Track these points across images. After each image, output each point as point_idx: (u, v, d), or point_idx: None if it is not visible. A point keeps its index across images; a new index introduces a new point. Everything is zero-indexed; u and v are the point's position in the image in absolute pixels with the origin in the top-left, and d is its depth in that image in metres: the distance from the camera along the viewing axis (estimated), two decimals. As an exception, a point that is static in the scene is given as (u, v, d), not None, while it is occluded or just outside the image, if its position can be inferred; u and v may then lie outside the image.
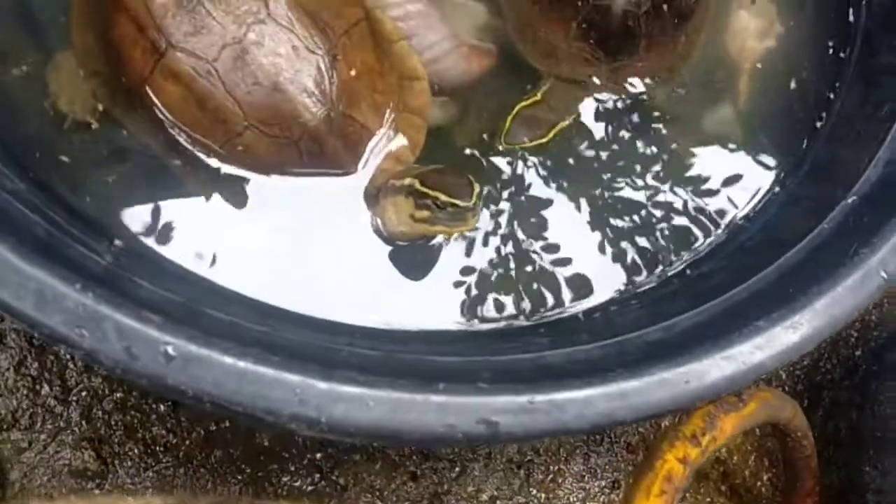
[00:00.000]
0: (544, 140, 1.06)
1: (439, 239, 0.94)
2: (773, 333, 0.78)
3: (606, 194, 1.05)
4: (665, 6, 1.06)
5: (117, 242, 0.83)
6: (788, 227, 0.98)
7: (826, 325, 0.80)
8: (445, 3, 1.12)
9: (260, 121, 0.87)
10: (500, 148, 1.05)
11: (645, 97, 1.09)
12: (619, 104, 1.08)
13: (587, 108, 1.08)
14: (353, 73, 0.91)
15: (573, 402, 0.70)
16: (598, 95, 1.09)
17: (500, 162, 1.05)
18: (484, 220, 1.01)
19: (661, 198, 1.06)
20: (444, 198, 0.83)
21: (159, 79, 0.88)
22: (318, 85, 0.88)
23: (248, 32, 0.85)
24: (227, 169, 0.92)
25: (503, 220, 1.03)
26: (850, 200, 0.93)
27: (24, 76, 0.97)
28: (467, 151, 1.06)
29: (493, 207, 1.02)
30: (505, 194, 1.03)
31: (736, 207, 1.07)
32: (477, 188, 0.85)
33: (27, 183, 0.80)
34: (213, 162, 0.92)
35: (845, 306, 0.81)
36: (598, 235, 1.02)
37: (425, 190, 0.85)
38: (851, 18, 1.15)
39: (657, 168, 1.08)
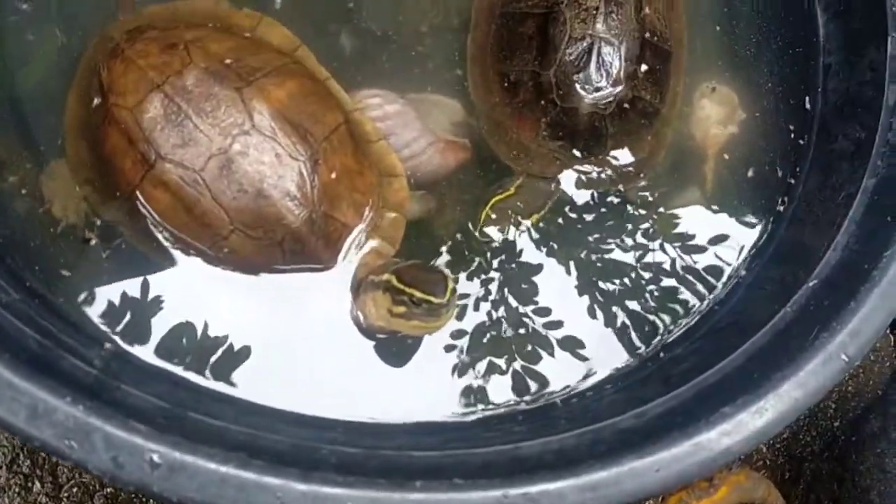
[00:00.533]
0: (516, 232, 1.11)
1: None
2: (740, 420, 0.81)
3: (583, 281, 1.08)
4: (630, 106, 1.12)
5: (107, 346, 0.86)
6: (755, 311, 1.02)
7: (790, 409, 0.83)
8: (422, 101, 1.18)
9: (245, 224, 0.92)
10: (477, 240, 1.09)
11: (614, 189, 1.14)
12: (589, 197, 1.13)
13: (558, 202, 1.12)
14: (333, 175, 0.96)
15: (546, 494, 0.73)
16: (568, 190, 1.13)
17: (477, 253, 1.09)
18: (469, 306, 1.04)
19: (636, 283, 1.11)
20: (418, 294, 0.87)
21: (149, 187, 0.92)
22: (300, 189, 0.93)
23: (233, 143, 0.90)
24: (213, 269, 0.96)
25: (482, 309, 1.06)
26: (811, 284, 0.97)
27: (18, 183, 1.02)
28: (445, 242, 1.10)
29: (471, 297, 1.06)
30: (481, 283, 1.07)
31: (707, 291, 1.11)
32: (451, 285, 0.89)
33: (22, 293, 0.84)
34: (200, 263, 0.96)
35: (808, 390, 0.84)
36: (576, 322, 1.06)
37: (401, 287, 0.89)
38: (808, 106, 1.21)
39: (630, 256, 1.12)
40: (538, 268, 1.09)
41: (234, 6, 1.11)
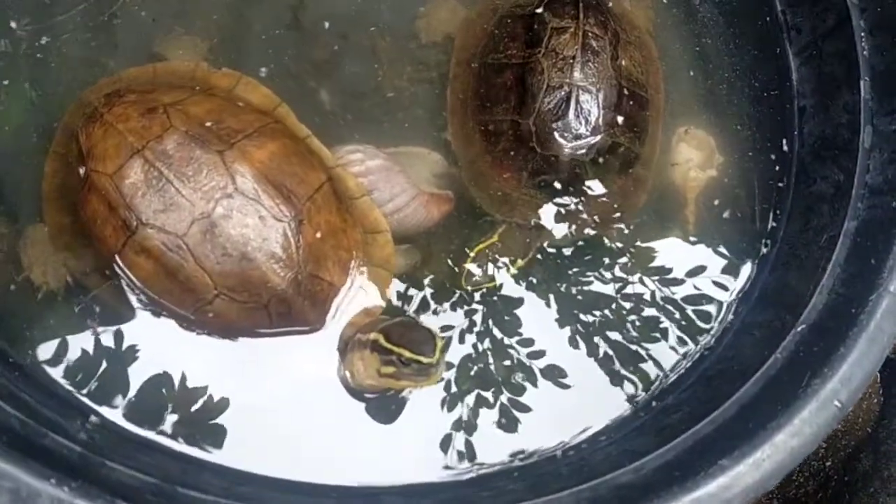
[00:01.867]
0: (496, 284, 1.10)
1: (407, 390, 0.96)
2: (738, 473, 0.80)
3: (570, 329, 1.08)
4: (610, 152, 1.12)
5: (92, 419, 0.84)
6: (744, 357, 1.02)
7: (787, 459, 0.83)
8: (403, 154, 1.18)
9: (229, 289, 0.90)
10: (462, 289, 1.09)
11: (597, 234, 1.14)
12: (572, 243, 1.13)
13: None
14: (318, 234, 0.95)
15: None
16: (551, 239, 1.13)
17: (463, 302, 1.08)
18: (456, 357, 1.04)
19: (624, 331, 1.10)
20: (407, 354, 0.86)
21: (130, 254, 0.91)
22: (285, 250, 0.92)
23: (216, 207, 0.89)
24: (198, 334, 0.94)
25: (471, 362, 1.05)
26: (799, 329, 0.98)
27: (-6, 250, 1.00)
28: (432, 294, 1.09)
29: (461, 351, 1.05)
30: (471, 334, 1.06)
31: (695, 337, 1.11)
32: (440, 343, 0.88)
33: (1, 365, 0.82)
34: (185, 328, 0.94)
35: (804, 438, 0.84)
36: (567, 371, 1.05)
37: (389, 346, 0.87)
38: (786, 148, 1.22)
39: (617, 302, 1.12)
40: (522, 306, 1.08)
41: (213, 67, 1.10)
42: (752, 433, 0.84)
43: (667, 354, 1.11)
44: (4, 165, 1.03)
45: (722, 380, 1.00)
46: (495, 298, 1.09)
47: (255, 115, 1.00)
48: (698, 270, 1.17)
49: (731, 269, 1.16)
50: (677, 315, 1.14)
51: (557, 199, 1.12)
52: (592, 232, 1.14)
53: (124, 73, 1.06)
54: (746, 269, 1.16)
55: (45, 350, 0.93)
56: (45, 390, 0.86)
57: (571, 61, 1.13)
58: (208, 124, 0.94)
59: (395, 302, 1.05)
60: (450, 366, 1.03)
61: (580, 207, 1.13)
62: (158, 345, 0.95)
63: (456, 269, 1.11)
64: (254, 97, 1.06)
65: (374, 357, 0.89)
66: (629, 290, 1.14)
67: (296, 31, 1.20)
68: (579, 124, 1.12)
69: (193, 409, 0.91)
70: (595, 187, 1.12)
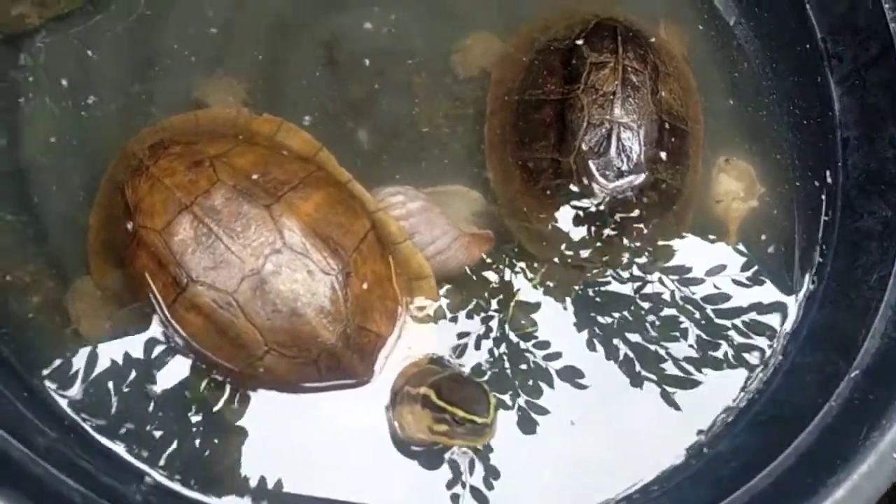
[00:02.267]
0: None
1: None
2: (799, 532, 0.79)
3: (616, 375, 1.07)
4: (651, 189, 1.11)
5: (147, 480, 0.84)
6: (796, 401, 1.00)
7: (848, 516, 0.82)
8: (442, 194, 1.18)
9: (279, 344, 0.90)
10: (508, 333, 1.08)
11: (639, 274, 1.13)
12: (613, 283, 1.12)
13: (585, 289, 1.11)
14: (364, 286, 0.95)
15: None
16: (593, 275, 1.12)
17: (509, 346, 1.07)
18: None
19: (670, 372, 1.09)
20: (461, 414, 0.86)
21: (181, 310, 0.91)
22: (333, 304, 0.91)
23: (265, 263, 0.89)
24: (248, 390, 0.94)
25: (519, 416, 1.04)
26: (852, 375, 0.96)
27: (41, 304, 1.00)
28: (475, 335, 1.09)
29: (509, 401, 1.04)
30: (518, 383, 1.05)
31: (745, 377, 1.09)
32: (493, 401, 0.87)
33: (58, 430, 0.82)
34: (235, 383, 0.94)
35: (864, 495, 0.82)
36: (613, 420, 1.04)
37: (441, 404, 0.87)
38: (830, 180, 1.21)
39: (661, 342, 1.11)
40: (581, 359, 1.07)
41: (253, 110, 1.10)
42: (811, 489, 0.83)
43: (715, 394, 1.09)
44: (50, 217, 1.03)
45: (775, 426, 0.99)
46: (538, 389, 1.06)
47: (298, 163, 1.00)
48: (743, 305, 1.15)
49: (778, 306, 1.15)
50: (723, 352, 1.13)
51: (599, 238, 1.11)
52: (632, 270, 1.13)
53: (167, 121, 1.05)
54: (794, 307, 1.14)
55: (98, 409, 0.93)
56: (101, 453, 0.86)
57: (612, 97, 1.12)
58: (254, 177, 0.94)
59: (440, 346, 1.04)
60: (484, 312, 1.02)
61: (622, 246, 1.12)
62: (209, 401, 0.94)
63: (498, 311, 1.10)
64: (295, 143, 1.06)
65: (425, 413, 0.89)
66: (672, 324, 1.13)
67: (331, 69, 1.20)
68: (621, 162, 1.11)
69: (245, 467, 0.91)
70: (637, 225, 1.11)
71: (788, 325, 1.13)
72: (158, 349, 0.96)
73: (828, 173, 1.21)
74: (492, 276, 1.13)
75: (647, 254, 1.14)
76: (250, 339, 0.89)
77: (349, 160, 1.10)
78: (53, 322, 1.00)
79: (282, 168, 0.97)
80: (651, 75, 1.15)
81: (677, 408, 1.07)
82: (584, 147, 1.10)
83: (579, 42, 1.17)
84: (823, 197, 1.20)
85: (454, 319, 1.09)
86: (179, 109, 1.11)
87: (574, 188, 1.11)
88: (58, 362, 0.96)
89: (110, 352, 0.96)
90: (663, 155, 1.13)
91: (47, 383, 0.94)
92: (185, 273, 0.89)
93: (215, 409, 0.94)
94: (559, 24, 1.24)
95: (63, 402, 0.91)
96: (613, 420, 1.04)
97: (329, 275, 0.92)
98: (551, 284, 1.13)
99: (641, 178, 1.11)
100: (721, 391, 1.09)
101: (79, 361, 0.96)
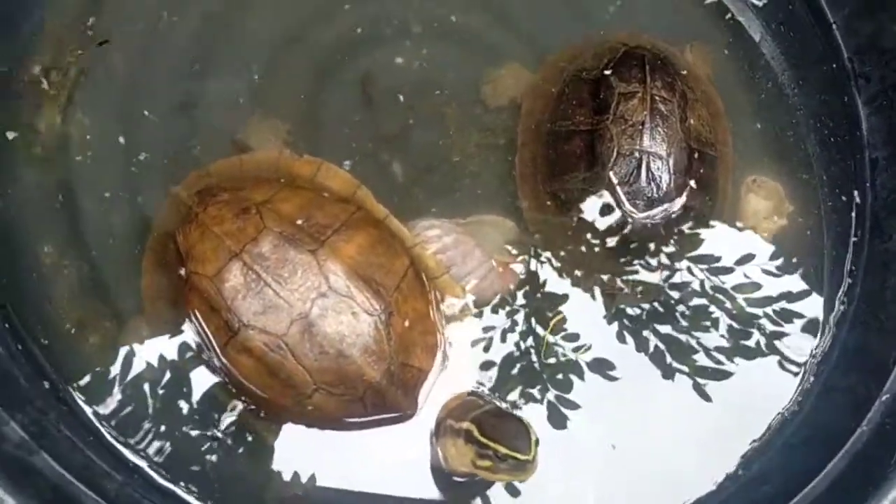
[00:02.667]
0: (578, 353, 1.13)
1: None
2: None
3: (652, 403, 1.10)
4: (682, 215, 1.14)
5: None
6: (829, 424, 1.03)
7: (879, 542, 0.84)
8: (476, 224, 1.22)
9: (327, 383, 0.95)
10: (542, 363, 1.12)
11: (670, 300, 1.16)
12: (645, 312, 1.15)
13: (615, 318, 1.14)
14: (406, 323, 0.99)
15: None
16: (624, 305, 1.15)
17: (545, 377, 1.11)
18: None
19: (707, 391, 1.11)
20: (503, 451, 0.89)
21: (232, 352, 0.96)
22: (377, 343, 0.96)
23: (312, 307, 0.94)
24: (298, 427, 0.99)
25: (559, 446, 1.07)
26: (884, 398, 0.99)
27: (102, 345, 1.06)
28: (510, 363, 1.12)
29: (538, 395, 1.08)
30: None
31: (778, 398, 1.12)
32: (534, 437, 0.91)
33: (124, 473, 0.87)
34: (285, 421, 0.99)
35: (896, 521, 0.85)
36: (649, 444, 1.07)
37: (484, 440, 0.90)
38: (858, 200, 1.22)
39: (696, 365, 1.14)
40: (610, 389, 1.10)
41: (294, 151, 1.14)
42: (844, 517, 0.85)
43: (749, 415, 1.12)
44: (105, 263, 1.09)
45: (808, 449, 1.01)
46: (570, 420, 1.10)
47: (339, 205, 1.04)
48: (776, 326, 1.17)
49: (809, 327, 1.17)
50: (755, 374, 1.15)
51: (630, 266, 1.14)
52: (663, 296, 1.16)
53: (213, 166, 1.10)
54: (825, 328, 1.16)
55: (160, 452, 0.99)
56: (164, 493, 0.91)
57: (641, 128, 1.14)
58: (299, 222, 0.99)
59: (479, 377, 1.08)
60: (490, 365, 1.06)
61: (653, 272, 1.15)
62: (260, 437, 0.99)
63: (533, 340, 1.13)
64: (335, 183, 1.10)
65: (468, 448, 0.93)
66: (706, 342, 1.15)
67: (367, 105, 1.24)
68: (651, 191, 1.14)
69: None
70: (667, 251, 1.14)
71: (820, 347, 1.15)
72: (216, 390, 1.00)
73: (856, 193, 1.23)
74: (525, 304, 1.17)
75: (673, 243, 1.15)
76: (300, 379, 0.94)
77: (386, 194, 1.14)
78: (111, 362, 1.05)
79: (324, 211, 1.02)
80: (679, 103, 1.16)
81: (715, 434, 1.09)
82: (614, 178, 1.13)
83: (607, 72, 1.19)
84: (852, 217, 1.22)
85: (488, 348, 1.12)
86: (224, 151, 1.15)
87: (605, 217, 1.13)
88: (118, 406, 1.01)
89: (169, 395, 1.01)
90: (693, 182, 1.16)
91: (110, 429, 0.99)
92: (236, 318, 0.94)
93: (270, 444, 0.98)
94: (587, 53, 1.26)
95: (124, 447, 0.96)
96: (650, 434, 1.07)
97: (372, 315, 0.96)
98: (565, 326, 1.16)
99: (672, 205, 1.13)
100: (755, 411, 1.12)
101: (138, 404, 1.01)
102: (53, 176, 1.13)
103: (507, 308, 1.15)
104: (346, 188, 1.10)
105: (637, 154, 1.13)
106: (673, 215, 1.14)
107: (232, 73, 1.21)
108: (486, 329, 1.13)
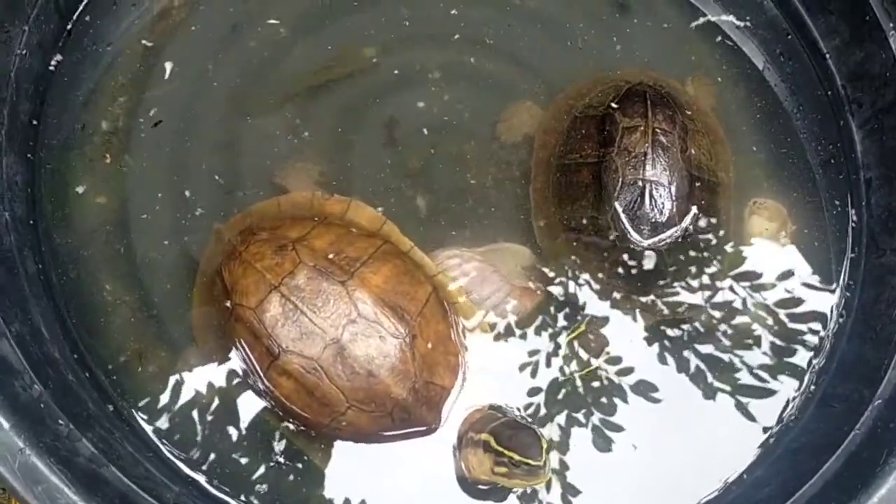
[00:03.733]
0: (593, 367, 1.21)
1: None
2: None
3: (663, 408, 1.18)
4: (686, 240, 1.22)
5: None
6: (826, 430, 1.10)
7: (867, 536, 0.91)
8: (495, 251, 1.31)
9: (359, 401, 1.05)
10: (560, 379, 1.21)
11: (680, 317, 1.24)
12: (656, 326, 1.23)
13: (627, 334, 1.22)
14: (429, 345, 1.10)
15: None
16: (636, 327, 1.23)
17: (561, 396, 1.20)
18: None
19: (717, 401, 1.19)
20: (517, 457, 0.99)
21: (274, 375, 1.07)
22: (403, 364, 1.06)
23: (343, 332, 1.05)
24: (341, 445, 1.10)
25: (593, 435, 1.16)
26: (876, 403, 1.05)
27: (158, 372, 1.18)
28: (528, 383, 1.21)
29: (583, 419, 1.16)
30: (572, 433, 1.17)
31: (782, 407, 1.19)
32: (545, 444, 1.00)
33: (180, 484, 0.99)
34: (325, 437, 1.10)
35: (884, 517, 0.92)
36: (660, 447, 1.15)
37: (500, 449, 1.00)
38: (855, 218, 1.29)
39: (706, 375, 1.21)
40: (627, 400, 1.19)
41: (326, 192, 1.26)
42: (833, 513, 0.93)
43: (753, 423, 1.19)
44: (159, 298, 1.21)
45: (806, 453, 1.09)
46: (584, 430, 1.18)
47: (367, 240, 1.15)
48: (780, 337, 1.24)
49: (811, 339, 1.24)
50: (760, 382, 1.22)
51: (637, 289, 1.23)
52: (671, 319, 1.24)
53: (254, 207, 1.22)
54: (825, 339, 1.23)
55: (216, 466, 1.10)
56: (215, 502, 1.02)
57: (643, 158, 1.22)
58: (330, 256, 1.10)
59: (500, 394, 1.18)
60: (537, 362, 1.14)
61: (659, 295, 1.23)
62: (306, 455, 1.11)
63: (546, 359, 1.22)
64: (363, 219, 1.21)
65: (487, 457, 1.02)
66: (714, 353, 1.23)
67: (391, 145, 1.34)
68: (655, 217, 1.21)
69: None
70: (672, 275, 1.22)
71: (821, 357, 1.22)
72: (264, 413, 1.12)
73: (853, 212, 1.30)
74: (540, 326, 1.26)
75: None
76: (334, 398, 1.05)
77: (410, 226, 1.25)
78: (167, 387, 1.17)
79: (353, 246, 1.13)
80: (680, 134, 1.25)
81: (726, 446, 1.16)
82: (619, 205, 1.22)
83: (612, 108, 1.28)
84: (850, 234, 1.29)
85: (511, 366, 1.22)
86: (263, 194, 1.27)
87: (613, 244, 1.22)
88: (174, 426, 1.13)
89: (219, 415, 1.13)
90: (695, 208, 1.23)
91: (168, 445, 1.11)
92: (276, 344, 1.06)
93: (314, 460, 1.09)
94: (593, 91, 1.35)
95: (180, 461, 1.08)
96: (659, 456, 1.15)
97: (398, 338, 1.06)
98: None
99: (675, 231, 1.22)
100: (758, 419, 1.19)
101: (192, 424, 1.13)
102: (114, 221, 1.25)
103: (526, 329, 1.24)
104: (373, 223, 1.21)
105: (640, 183, 1.21)
106: (677, 240, 1.21)
107: (269, 121, 1.33)
108: (508, 348, 1.22)
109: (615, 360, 1.20)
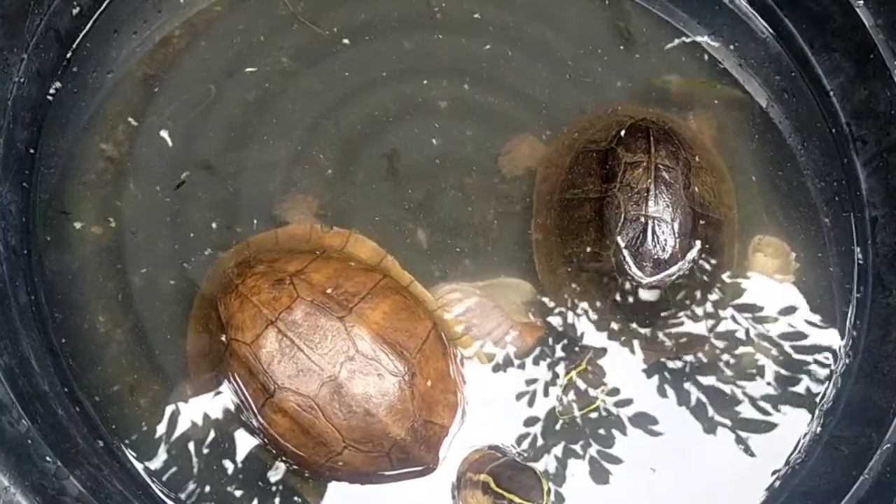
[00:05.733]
0: (594, 406, 1.19)
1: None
2: None
3: (665, 453, 1.16)
4: (689, 277, 1.21)
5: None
6: (834, 474, 1.07)
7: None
8: (496, 286, 1.30)
9: (356, 441, 1.03)
10: (558, 418, 1.18)
11: (682, 355, 1.22)
12: (656, 365, 1.21)
13: (627, 372, 1.20)
14: (429, 383, 1.07)
15: None
16: (635, 359, 1.21)
17: (560, 432, 1.17)
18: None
19: (719, 439, 1.16)
20: (517, 500, 0.96)
21: (269, 412, 1.05)
22: (402, 402, 1.04)
23: (340, 370, 1.02)
24: (328, 480, 1.07)
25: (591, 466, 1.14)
26: (885, 447, 1.03)
27: (150, 406, 1.15)
28: (528, 420, 1.19)
29: (581, 450, 1.14)
30: (570, 467, 1.15)
31: (787, 450, 1.17)
32: (545, 486, 0.98)
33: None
34: (318, 476, 1.07)
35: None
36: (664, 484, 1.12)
37: (500, 491, 0.98)
38: (860, 257, 1.28)
39: (706, 415, 1.19)
40: (627, 443, 1.16)
41: (325, 224, 1.24)
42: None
43: (760, 463, 1.16)
44: (153, 331, 1.19)
45: (814, 499, 1.06)
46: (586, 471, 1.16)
47: (366, 274, 1.13)
48: (784, 378, 1.22)
49: (817, 380, 1.22)
50: (764, 419, 1.20)
51: (640, 326, 1.21)
52: (674, 356, 1.22)
53: (252, 239, 1.21)
54: (831, 380, 1.21)
55: (200, 501, 1.07)
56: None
57: (646, 194, 1.20)
58: (329, 290, 1.08)
59: (498, 433, 1.15)
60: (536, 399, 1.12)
61: (662, 333, 1.21)
62: (300, 493, 1.07)
63: (547, 396, 1.20)
64: (363, 252, 1.19)
65: (486, 498, 1.00)
66: (721, 390, 1.20)
67: (392, 178, 1.33)
68: (657, 254, 1.20)
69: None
70: (675, 311, 1.20)
71: (827, 398, 1.20)
72: (257, 451, 1.09)
73: (858, 250, 1.28)
74: (542, 359, 1.24)
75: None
76: (330, 437, 1.02)
77: (411, 260, 1.23)
78: (159, 422, 1.15)
79: (352, 280, 1.11)
80: (683, 170, 1.23)
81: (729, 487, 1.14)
82: (621, 241, 1.20)
83: (615, 144, 1.27)
84: (855, 273, 1.27)
85: (510, 402, 1.19)
86: (261, 224, 1.25)
87: (614, 280, 1.21)
88: (165, 464, 1.11)
89: (212, 454, 1.10)
90: (698, 244, 1.22)
91: (159, 484, 1.08)
92: (272, 381, 1.03)
93: (304, 500, 1.06)
94: (596, 125, 1.35)
95: (171, 500, 1.06)
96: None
97: (397, 376, 1.04)
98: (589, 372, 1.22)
99: (678, 268, 1.20)
100: (765, 461, 1.17)
101: (184, 462, 1.11)
102: (109, 251, 1.23)
103: (527, 364, 1.22)
104: (373, 257, 1.19)
105: (643, 219, 1.20)
106: (680, 277, 1.20)
107: (269, 152, 1.31)
108: (508, 384, 1.20)
109: (613, 392, 1.17)
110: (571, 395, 1.19)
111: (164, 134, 1.30)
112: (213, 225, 1.25)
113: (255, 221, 1.26)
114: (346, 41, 1.38)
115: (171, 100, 1.32)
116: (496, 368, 1.19)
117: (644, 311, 1.20)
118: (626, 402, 1.17)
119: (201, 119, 1.32)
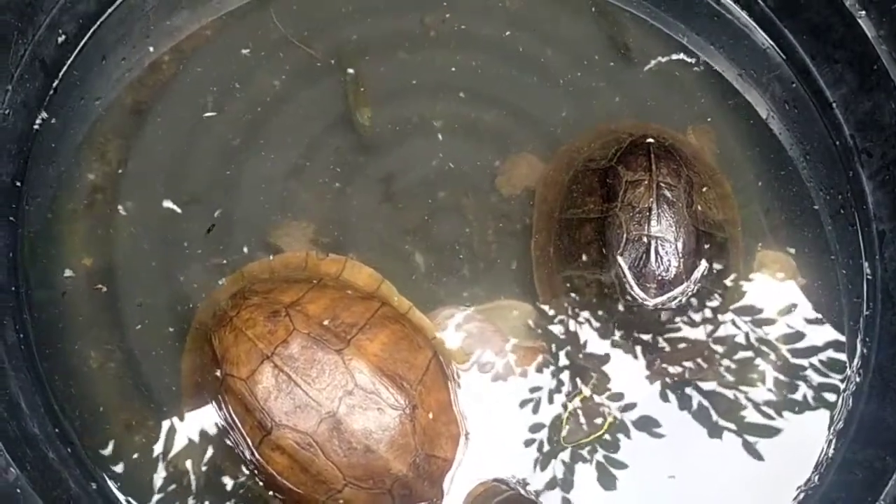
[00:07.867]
0: (600, 433, 1.16)
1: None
2: None
3: (672, 474, 1.12)
4: (693, 297, 1.18)
5: None
6: (847, 499, 1.04)
7: None
8: (496, 309, 1.27)
9: (356, 478, 1.00)
10: (563, 446, 1.15)
11: (687, 380, 1.19)
12: (662, 390, 1.18)
13: (634, 397, 1.18)
14: (430, 416, 1.04)
15: None
16: (641, 385, 1.19)
17: (566, 461, 1.14)
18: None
19: (729, 467, 1.13)
20: (524, 536, 0.93)
21: (266, 450, 1.02)
22: (403, 437, 1.01)
23: (339, 405, 0.99)
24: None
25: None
26: (900, 473, 1.00)
27: (144, 443, 1.12)
28: (531, 447, 1.16)
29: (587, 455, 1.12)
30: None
31: (798, 472, 1.14)
32: (551, 521, 0.95)
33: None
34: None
35: None
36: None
37: (505, 527, 0.95)
38: (869, 272, 1.25)
39: (715, 443, 1.16)
40: (634, 464, 1.13)
41: (320, 251, 1.21)
42: None
43: (772, 488, 1.13)
44: (147, 365, 1.16)
45: (828, 527, 1.03)
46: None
47: (364, 304, 1.10)
48: (795, 402, 1.19)
49: (827, 400, 1.19)
50: (776, 447, 1.17)
51: (644, 349, 1.18)
52: (683, 379, 1.19)
53: (246, 268, 1.18)
54: (841, 401, 1.18)
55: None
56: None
57: (648, 213, 1.17)
58: (326, 322, 1.05)
59: (504, 466, 1.12)
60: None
61: (667, 355, 1.18)
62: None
63: (551, 423, 1.17)
64: (359, 279, 1.16)
65: (492, 535, 0.97)
66: (729, 410, 1.17)
67: (389, 201, 1.30)
68: (661, 274, 1.17)
69: None
70: (680, 333, 1.18)
71: (838, 420, 1.17)
72: (256, 489, 1.06)
73: (866, 265, 1.26)
74: (544, 384, 1.21)
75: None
76: (330, 475, 0.99)
77: (408, 285, 1.20)
78: (154, 461, 1.11)
79: (349, 310, 1.08)
80: (685, 188, 1.21)
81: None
82: (623, 262, 1.17)
83: (615, 162, 1.25)
84: (864, 289, 1.25)
85: (514, 428, 1.16)
86: (252, 251, 1.22)
87: (617, 302, 1.18)
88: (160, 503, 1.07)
89: (209, 492, 1.07)
90: (703, 263, 1.19)
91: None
92: (269, 418, 1.00)
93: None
94: (595, 143, 1.32)
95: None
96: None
97: (398, 410, 1.01)
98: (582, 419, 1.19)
99: (683, 289, 1.17)
100: (778, 489, 1.14)
101: (175, 499, 1.07)
102: (100, 284, 1.20)
103: (531, 390, 1.19)
104: (370, 283, 1.16)
105: (645, 239, 1.17)
106: (684, 298, 1.17)
107: (261, 177, 1.29)
108: (511, 412, 1.17)
109: (621, 412, 1.15)
110: (575, 422, 1.16)
111: (154, 161, 1.27)
112: (205, 254, 1.22)
113: (247, 249, 1.23)
114: (337, 64, 1.35)
115: (162, 126, 1.29)
116: (498, 395, 1.16)
117: (649, 333, 1.17)
118: (637, 425, 1.14)
119: (192, 145, 1.29)
